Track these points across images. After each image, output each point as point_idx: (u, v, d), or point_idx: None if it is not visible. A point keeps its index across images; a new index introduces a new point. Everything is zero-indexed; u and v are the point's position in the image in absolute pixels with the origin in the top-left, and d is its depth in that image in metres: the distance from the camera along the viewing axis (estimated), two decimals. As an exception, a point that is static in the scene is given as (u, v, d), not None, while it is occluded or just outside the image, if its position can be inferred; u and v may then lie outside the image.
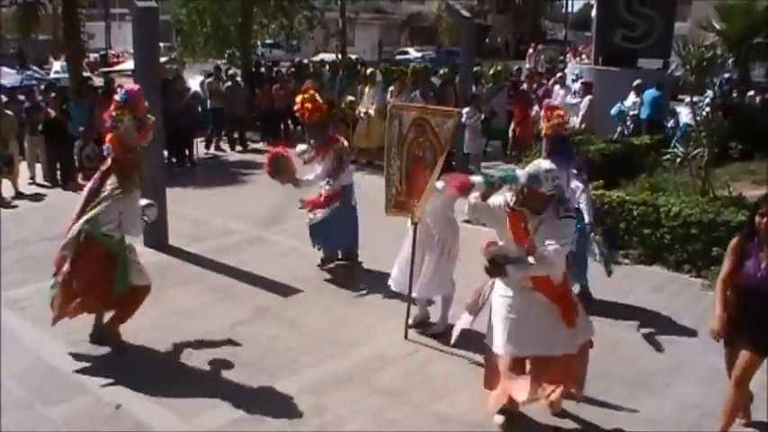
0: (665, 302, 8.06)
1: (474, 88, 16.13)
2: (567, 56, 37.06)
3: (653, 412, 5.80)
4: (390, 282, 7.39)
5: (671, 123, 16.41)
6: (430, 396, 6.02)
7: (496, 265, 5.11)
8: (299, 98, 8.52)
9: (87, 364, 6.51)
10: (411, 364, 6.60)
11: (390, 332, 7.17)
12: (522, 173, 5.15)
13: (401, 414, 5.75)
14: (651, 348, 6.98)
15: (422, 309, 7.39)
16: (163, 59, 22.25)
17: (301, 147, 8.81)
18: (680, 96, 17.65)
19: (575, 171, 7.46)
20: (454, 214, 7.10)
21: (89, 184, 6.59)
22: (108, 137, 6.54)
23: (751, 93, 19.41)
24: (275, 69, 20.98)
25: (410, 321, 7.18)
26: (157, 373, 6.36)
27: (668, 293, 8.42)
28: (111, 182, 6.36)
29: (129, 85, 6.96)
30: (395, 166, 6.94)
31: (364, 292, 8.27)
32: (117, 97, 6.52)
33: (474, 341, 6.92)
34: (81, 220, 6.36)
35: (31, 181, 13.76)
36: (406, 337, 7.07)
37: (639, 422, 5.66)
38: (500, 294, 5.42)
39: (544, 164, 5.25)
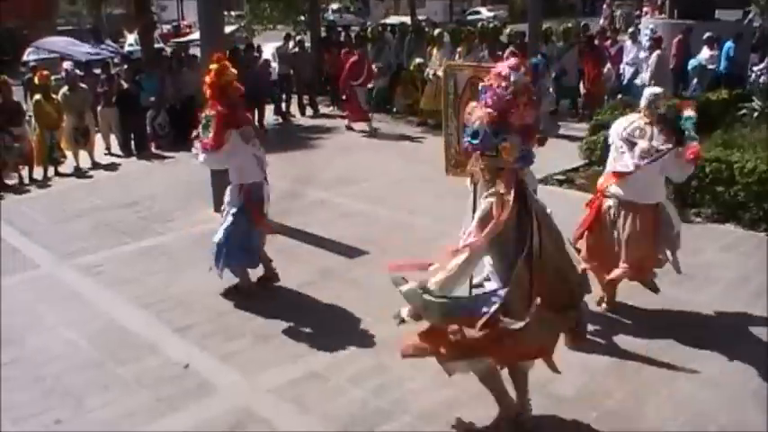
0: (737, 263, 7.80)
1: (544, 46, 15.85)
2: (644, 11, 35.87)
3: (715, 374, 5.64)
4: None
5: (752, 77, 15.77)
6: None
7: None
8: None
9: (159, 326, 6.72)
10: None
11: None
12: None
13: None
14: (715, 309, 6.73)
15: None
16: (232, 28, 22.44)
17: None
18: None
19: None
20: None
21: None
22: None
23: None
24: (344, 34, 20.94)
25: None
26: (225, 334, 6.54)
27: (740, 253, 8.14)
28: None
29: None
30: (452, 127, 6.86)
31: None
32: None
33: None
34: None
35: (106, 151, 14.13)
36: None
37: (700, 383, 5.52)
38: None
39: None
